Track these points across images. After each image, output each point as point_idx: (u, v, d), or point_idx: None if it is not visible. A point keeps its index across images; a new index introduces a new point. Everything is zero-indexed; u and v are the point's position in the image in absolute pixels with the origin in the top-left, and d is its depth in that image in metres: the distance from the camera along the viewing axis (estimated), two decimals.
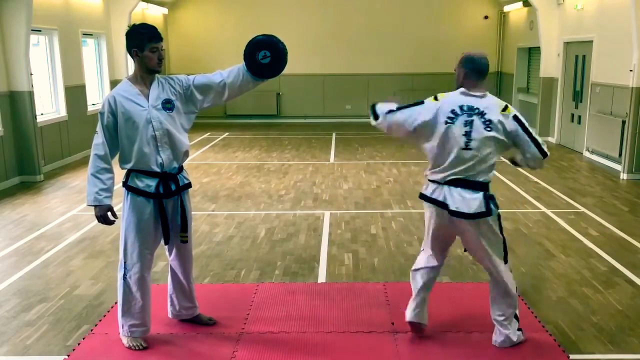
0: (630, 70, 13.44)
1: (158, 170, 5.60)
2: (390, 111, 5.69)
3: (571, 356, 5.75)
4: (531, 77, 22.22)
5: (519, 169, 14.47)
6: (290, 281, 7.73)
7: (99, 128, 5.55)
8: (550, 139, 19.07)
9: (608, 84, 15.06)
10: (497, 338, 5.92)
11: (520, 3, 21.09)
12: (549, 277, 7.84)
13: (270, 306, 6.86)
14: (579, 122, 17.07)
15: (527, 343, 5.96)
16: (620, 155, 14.10)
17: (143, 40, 5.50)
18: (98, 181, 5.49)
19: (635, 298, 7.16)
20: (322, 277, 7.89)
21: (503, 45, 24.41)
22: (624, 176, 13.60)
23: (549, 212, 10.83)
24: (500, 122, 5.42)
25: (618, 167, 14.13)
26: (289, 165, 15.41)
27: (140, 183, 5.59)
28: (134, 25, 5.64)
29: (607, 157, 15.08)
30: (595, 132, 15.69)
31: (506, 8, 23.29)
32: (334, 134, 20.88)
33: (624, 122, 13.97)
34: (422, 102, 5.60)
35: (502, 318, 5.86)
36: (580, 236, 9.47)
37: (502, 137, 5.44)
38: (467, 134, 5.38)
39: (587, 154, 16.24)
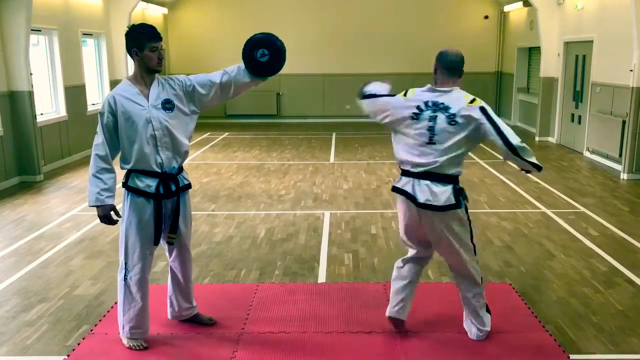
0: (631, 70, 13.43)
1: (158, 170, 5.58)
2: (372, 95, 6.08)
3: (571, 356, 5.74)
4: (531, 77, 22.22)
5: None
6: (290, 281, 7.72)
7: (99, 128, 5.53)
8: (550, 139, 19.09)
9: (608, 84, 15.06)
10: (474, 332, 6.03)
11: (521, 3, 21.09)
12: (549, 277, 7.84)
13: (270, 306, 6.85)
14: (579, 122, 17.07)
15: (527, 343, 5.97)
16: (620, 155, 14.10)
17: (143, 40, 5.50)
18: (99, 181, 5.48)
19: (635, 298, 7.15)
20: (322, 277, 7.87)
21: (503, 45, 24.42)
22: (624, 176, 13.59)
23: (549, 212, 10.83)
24: (465, 115, 5.54)
25: (618, 167, 14.12)
26: (289, 165, 15.40)
27: (141, 183, 5.57)
28: (133, 25, 5.63)
29: (607, 157, 15.08)
30: (595, 132, 15.69)
31: (506, 8, 23.30)
32: (334, 134, 20.88)
33: (624, 122, 13.96)
34: (392, 95, 5.86)
35: (475, 311, 5.96)
36: (581, 236, 9.46)
37: (467, 131, 5.55)
38: (431, 129, 5.50)
39: (587, 154, 16.24)
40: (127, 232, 5.66)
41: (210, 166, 15.39)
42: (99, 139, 5.52)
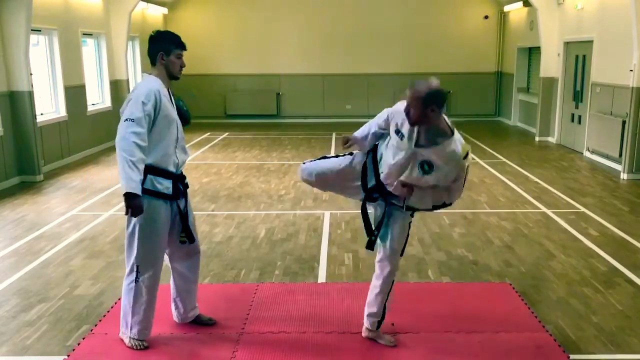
0: (631, 70, 13.43)
1: (173, 170, 5.69)
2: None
3: (571, 356, 5.75)
4: (531, 77, 22.23)
5: (521, 169, 14.48)
6: (290, 281, 7.71)
7: (138, 116, 5.38)
8: (550, 139, 19.09)
9: (608, 84, 15.06)
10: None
11: (521, 3, 21.08)
12: (549, 277, 7.84)
13: (270, 306, 6.84)
14: (579, 122, 17.07)
15: (527, 343, 5.97)
16: (620, 155, 14.09)
17: (170, 45, 5.67)
18: (139, 171, 5.33)
19: (635, 298, 7.16)
20: (322, 277, 7.86)
21: (503, 45, 24.40)
22: (624, 176, 13.58)
23: (549, 212, 10.83)
24: None
25: (618, 167, 14.12)
26: (289, 165, 15.39)
27: (160, 185, 5.61)
28: (160, 30, 5.85)
29: (607, 157, 15.07)
30: (595, 132, 15.68)
31: (506, 8, 23.28)
32: (334, 134, 20.88)
33: (624, 122, 13.96)
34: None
35: None
36: (581, 236, 9.46)
37: None
38: None
39: (587, 154, 16.23)
40: (141, 235, 5.64)
41: (210, 166, 15.39)
42: (139, 127, 5.37)
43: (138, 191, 5.34)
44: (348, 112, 24.44)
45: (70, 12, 16.33)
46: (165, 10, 23.70)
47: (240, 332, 6.21)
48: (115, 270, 7.96)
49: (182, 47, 5.70)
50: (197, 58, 23.57)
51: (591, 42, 16.15)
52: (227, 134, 21.29)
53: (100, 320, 6.50)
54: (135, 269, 5.71)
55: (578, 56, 17.34)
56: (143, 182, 5.50)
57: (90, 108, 17.31)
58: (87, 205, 11.41)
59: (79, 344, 6.00)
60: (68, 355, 5.80)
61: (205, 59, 23.71)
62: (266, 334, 6.18)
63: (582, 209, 10.95)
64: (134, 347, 5.84)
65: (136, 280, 5.72)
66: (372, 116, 5.91)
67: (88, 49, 18.09)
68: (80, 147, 16.34)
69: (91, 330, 6.28)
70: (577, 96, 17.33)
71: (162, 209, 5.66)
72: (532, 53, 22.03)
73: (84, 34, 17.25)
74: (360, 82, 24.51)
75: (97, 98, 18.35)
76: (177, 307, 6.31)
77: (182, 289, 6.21)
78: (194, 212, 6.30)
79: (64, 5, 16.05)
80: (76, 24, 16.61)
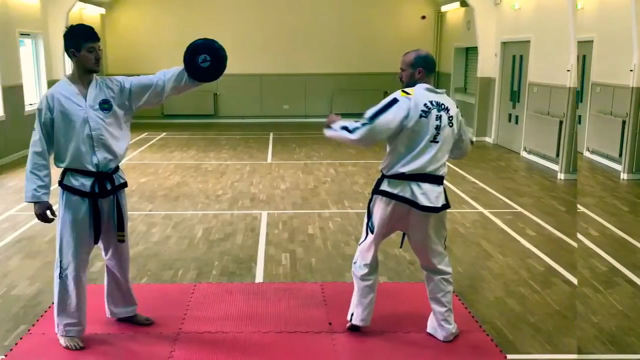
0: (631, 70, 13.50)
1: (93, 170, 5.50)
2: (376, 114, 5.47)
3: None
4: (468, 77, 22.34)
5: (457, 169, 14.59)
6: (227, 281, 7.64)
7: (36, 125, 5.46)
8: (487, 138, 19.20)
9: (608, 84, 15.10)
10: (442, 333, 5.84)
11: (458, 3, 21.16)
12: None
13: (207, 306, 6.78)
14: (579, 122, 17.02)
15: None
16: (620, 155, 14.09)
17: (80, 40, 5.44)
18: (36, 178, 5.38)
19: (635, 298, 7.02)
20: (259, 277, 7.80)
21: (440, 45, 24.37)
22: (624, 176, 13.52)
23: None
24: (457, 118, 5.62)
25: (618, 167, 14.13)
26: (227, 166, 15.19)
27: (76, 182, 5.48)
28: (71, 26, 5.56)
29: (607, 157, 15.11)
30: (595, 132, 15.69)
31: (443, 8, 23.25)
32: (271, 134, 20.81)
33: (624, 122, 14.03)
34: (396, 100, 5.47)
35: (446, 312, 5.84)
36: (580, 236, 9.45)
37: (457, 132, 5.66)
38: (437, 128, 5.44)
39: (587, 154, 15.94)
40: (62, 231, 5.56)
41: (148, 166, 15.09)
42: (36, 135, 5.45)
43: (34, 199, 5.45)
44: (286, 112, 24.43)
45: (8, 12, 15.88)
46: (102, 10, 23.14)
47: (178, 332, 6.10)
48: (52, 270, 7.88)
49: (93, 39, 5.47)
50: (134, 58, 23.33)
51: (528, 42, 16.28)
52: (164, 134, 20.88)
53: (37, 320, 6.38)
54: (59, 264, 5.66)
55: (578, 56, 17.43)
56: (63, 178, 5.58)
57: (27, 108, 16.85)
58: (25, 205, 11.25)
59: (16, 344, 5.90)
60: (5, 355, 5.71)
61: (142, 59, 23.32)
62: (204, 333, 6.12)
63: (582, 209, 10.90)
64: (70, 347, 5.81)
65: (60, 275, 5.66)
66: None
67: (25, 48, 17.78)
68: (17, 147, 15.91)
69: (28, 330, 6.15)
70: (577, 96, 17.42)
71: (79, 205, 5.54)
72: (469, 53, 22.15)
73: (20, 34, 16.96)
74: (297, 82, 24.49)
75: (35, 98, 18.04)
76: (109, 303, 6.26)
77: (113, 285, 6.13)
78: (131, 212, 6.26)
79: (2, 5, 15.71)
80: (13, 23, 16.34)
